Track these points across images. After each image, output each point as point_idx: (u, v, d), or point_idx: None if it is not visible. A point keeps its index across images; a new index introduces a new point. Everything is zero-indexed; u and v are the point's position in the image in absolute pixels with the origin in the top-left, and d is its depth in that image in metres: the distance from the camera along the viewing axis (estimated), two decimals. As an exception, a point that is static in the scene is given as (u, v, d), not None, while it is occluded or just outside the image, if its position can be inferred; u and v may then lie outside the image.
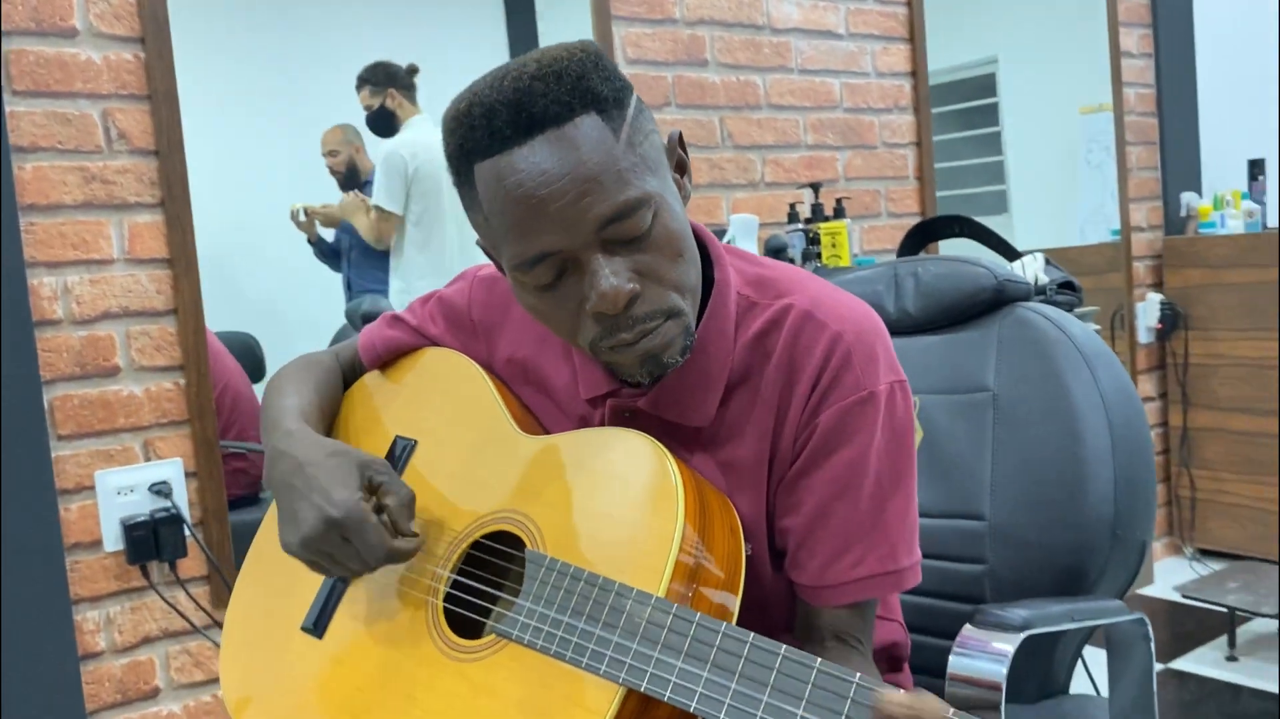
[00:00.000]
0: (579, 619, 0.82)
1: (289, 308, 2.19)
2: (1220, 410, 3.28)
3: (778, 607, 0.96)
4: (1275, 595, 2.61)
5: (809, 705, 0.69)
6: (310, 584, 1.03)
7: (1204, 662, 2.69)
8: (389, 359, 1.14)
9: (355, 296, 2.38)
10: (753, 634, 0.74)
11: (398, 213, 2.23)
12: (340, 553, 0.91)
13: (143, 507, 1.77)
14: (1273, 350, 3.09)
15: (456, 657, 0.89)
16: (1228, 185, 3.42)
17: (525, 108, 0.80)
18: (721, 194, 2.45)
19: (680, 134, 0.92)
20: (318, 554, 0.91)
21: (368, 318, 1.81)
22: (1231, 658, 2.66)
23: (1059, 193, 3.46)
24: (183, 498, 1.81)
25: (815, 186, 2.46)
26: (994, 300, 1.35)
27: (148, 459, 1.79)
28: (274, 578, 1.08)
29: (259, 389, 1.99)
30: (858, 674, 0.68)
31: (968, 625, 0.97)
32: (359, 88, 2.17)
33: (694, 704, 0.74)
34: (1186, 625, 2.93)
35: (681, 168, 0.92)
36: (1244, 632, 2.80)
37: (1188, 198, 3.31)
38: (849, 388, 0.90)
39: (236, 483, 1.92)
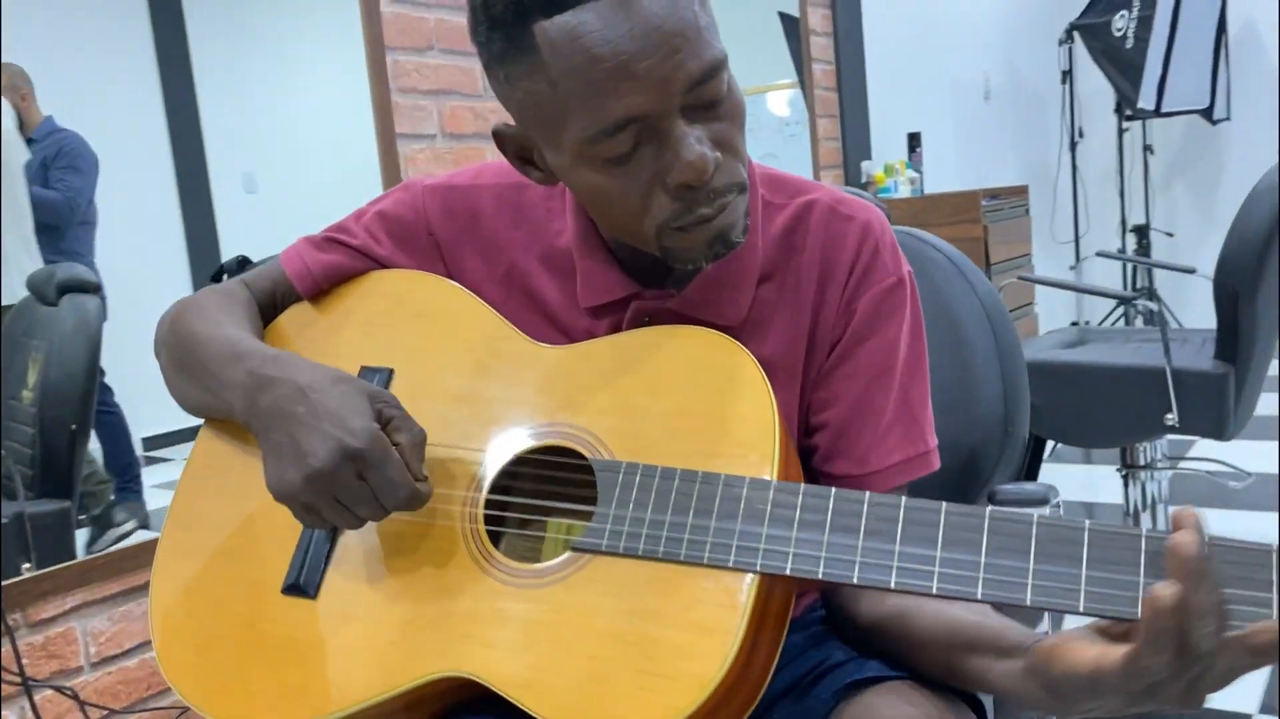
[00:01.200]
0: (684, 516, 0.77)
1: None
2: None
3: None
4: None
5: (992, 550, 0.69)
6: (278, 542, 0.88)
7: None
8: (327, 287, 1.00)
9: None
10: (903, 498, 0.73)
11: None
12: (350, 493, 0.78)
13: None
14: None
15: (527, 583, 0.80)
16: (894, 156, 3.85)
17: None
18: (486, 145, 2.37)
19: None
20: (320, 495, 0.78)
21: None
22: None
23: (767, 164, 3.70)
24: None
25: (578, 140, 2.45)
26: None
27: None
28: (217, 543, 0.90)
29: None
30: (1035, 514, 0.70)
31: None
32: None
33: (855, 575, 0.72)
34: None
35: None
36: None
37: (868, 166, 3.68)
38: (880, 274, 0.91)
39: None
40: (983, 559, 0.70)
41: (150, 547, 1.73)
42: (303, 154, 2.16)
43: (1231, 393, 2.37)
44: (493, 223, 0.98)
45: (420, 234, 0.99)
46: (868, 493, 0.74)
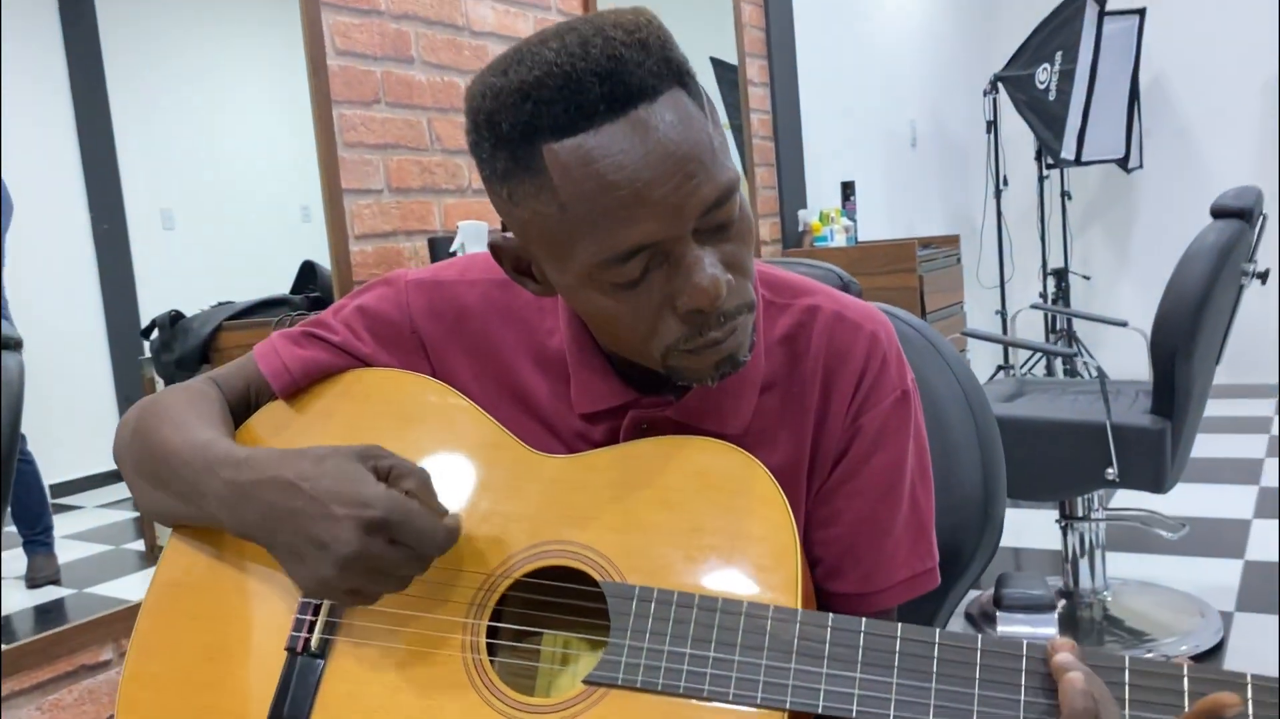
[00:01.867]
0: (705, 648, 0.73)
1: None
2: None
3: None
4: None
5: (1029, 690, 0.68)
6: (260, 670, 0.82)
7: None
8: (305, 385, 0.94)
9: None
10: (937, 630, 0.71)
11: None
12: (388, 560, 0.74)
13: None
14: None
15: (536, 718, 0.75)
16: (828, 204, 3.88)
17: (620, 79, 0.69)
18: (433, 199, 2.32)
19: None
20: (361, 575, 0.74)
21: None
22: None
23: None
24: None
25: (525, 194, 2.41)
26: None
27: None
28: (190, 672, 0.84)
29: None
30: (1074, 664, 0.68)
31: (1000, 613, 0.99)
32: None
33: (892, 713, 0.69)
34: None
35: None
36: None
37: (804, 214, 3.71)
38: (887, 389, 0.89)
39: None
40: (1022, 699, 0.68)
41: (91, 627, 1.64)
42: (223, 191, 2.09)
43: (1169, 447, 2.42)
44: (481, 321, 0.93)
45: (404, 331, 0.94)
46: (900, 625, 0.71)
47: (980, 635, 0.70)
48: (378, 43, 2.19)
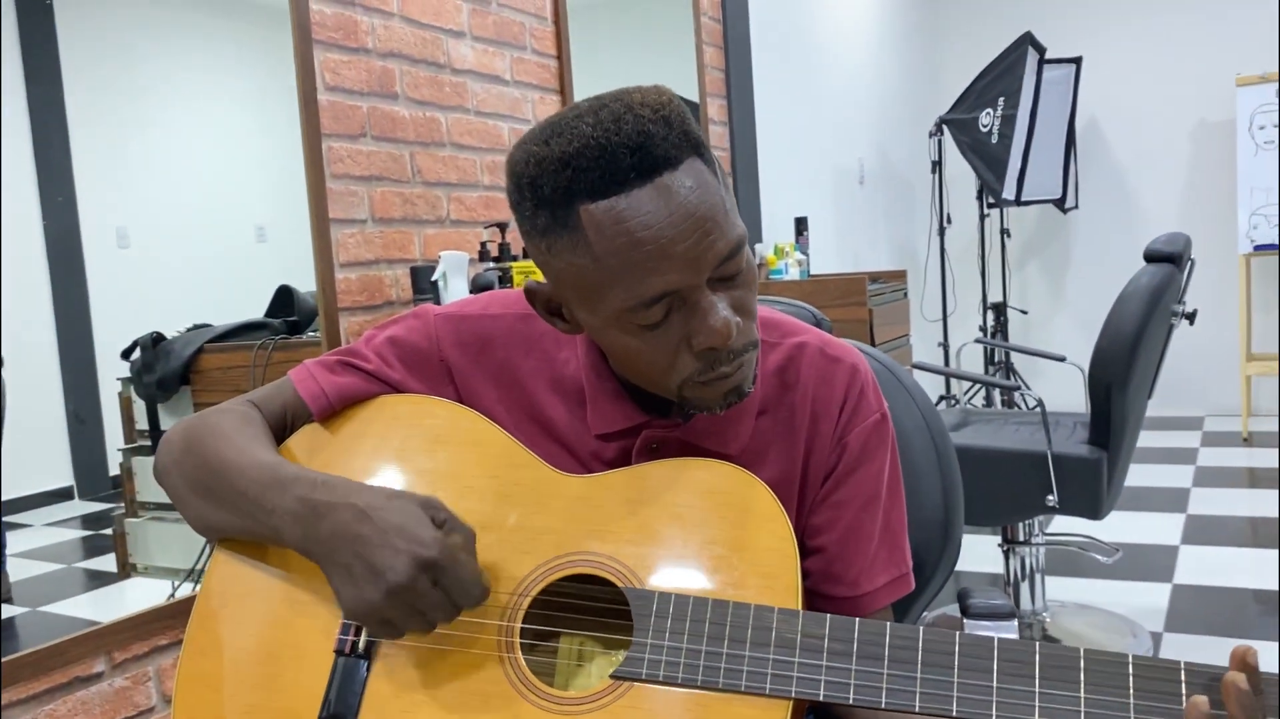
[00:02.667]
0: (719, 645, 0.84)
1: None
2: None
3: None
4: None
5: (1002, 676, 0.79)
6: (308, 671, 0.90)
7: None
8: (339, 409, 1.03)
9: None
10: (921, 627, 0.82)
11: None
12: (427, 601, 0.83)
13: None
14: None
15: (568, 710, 0.85)
16: (782, 238, 4.03)
17: (648, 150, 0.80)
18: (414, 229, 2.40)
19: None
20: (400, 607, 0.82)
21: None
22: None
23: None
24: None
25: (502, 226, 2.51)
26: (814, 334, 1.53)
27: None
28: (242, 672, 0.92)
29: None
30: (1036, 643, 0.80)
31: (967, 620, 1.11)
32: None
33: (884, 700, 0.80)
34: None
35: None
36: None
37: (760, 248, 3.84)
38: (866, 412, 1.01)
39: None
40: (995, 684, 0.79)
41: (84, 639, 1.68)
42: (179, 210, 2.08)
43: (1105, 476, 2.58)
44: (504, 351, 1.03)
45: (433, 360, 1.03)
46: (889, 623, 0.82)
47: (958, 633, 0.81)
48: (365, 79, 2.28)
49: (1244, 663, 0.72)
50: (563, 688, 0.92)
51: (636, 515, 0.91)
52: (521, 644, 0.91)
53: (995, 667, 0.79)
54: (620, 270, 0.81)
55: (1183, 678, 0.75)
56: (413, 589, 0.82)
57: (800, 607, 0.85)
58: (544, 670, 0.93)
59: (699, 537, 0.89)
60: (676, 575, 0.88)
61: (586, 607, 0.93)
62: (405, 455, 0.99)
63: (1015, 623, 1.05)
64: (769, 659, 0.82)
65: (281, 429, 1.03)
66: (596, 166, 0.80)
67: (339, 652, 0.90)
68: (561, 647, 0.95)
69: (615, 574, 0.89)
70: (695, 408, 0.92)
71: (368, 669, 0.90)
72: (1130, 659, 0.77)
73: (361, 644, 0.90)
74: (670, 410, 0.99)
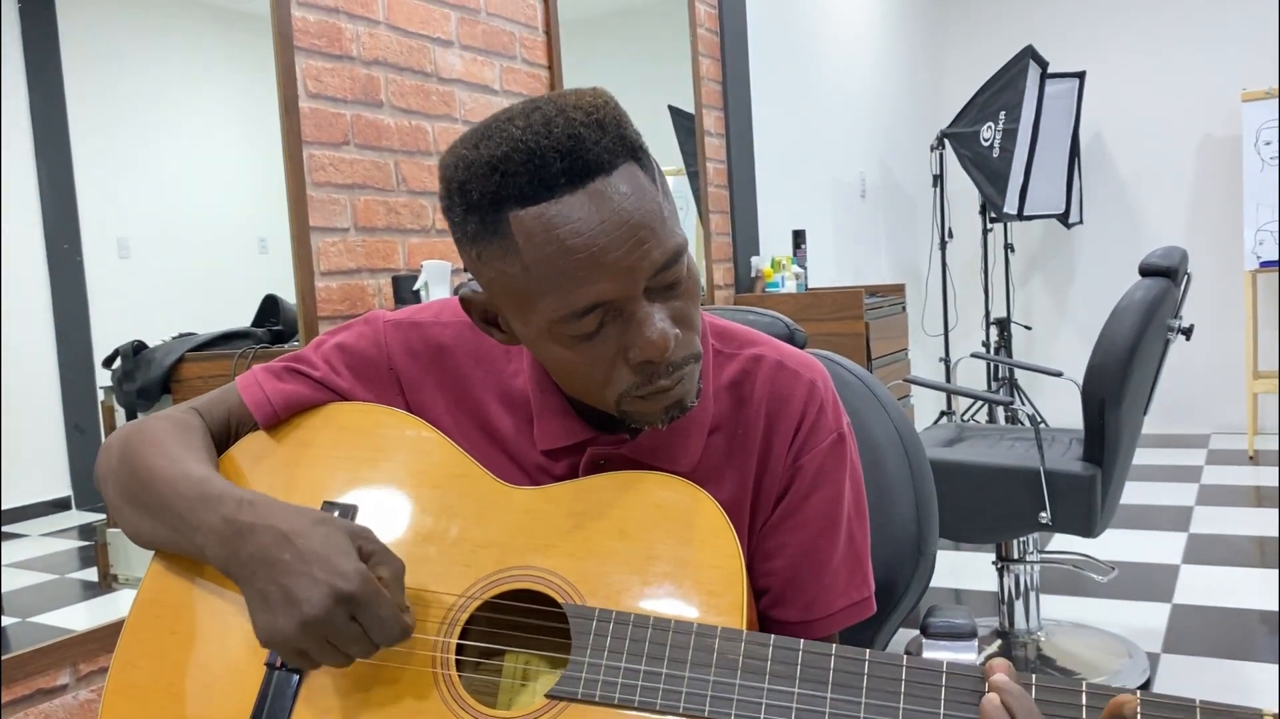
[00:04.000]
0: (659, 665, 0.80)
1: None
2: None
3: None
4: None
5: (948, 704, 0.75)
6: (237, 685, 0.87)
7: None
8: (285, 417, 1.00)
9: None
10: (868, 650, 0.78)
11: None
12: (342, 635, 0.79)
13: None
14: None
15: (501, 729, 0.81)
16: (780, 251, 4.00)
17: (579, 155, 0.77)
18: (397, 239, 2.38)
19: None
20: (314, 639, 0.79)
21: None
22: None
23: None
24: None
25: (488, 236, 2.48)
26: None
27: None
28: (170, 684, 0.89)
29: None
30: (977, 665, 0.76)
31: (925, 640, 1.07)
32: None
33: (826, 727, 0.77)
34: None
35: None
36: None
37: (757, 261, 3.81)
38: (824, 432, 0.97)
39: None
40: (941, 712, 0.75)
41: (47, 651, 1.65)
42: (181, 220, 2.08)
43: (1099, 493, 2.53)
44: (454, 360, 1.00)
45: (381, 368, 1.00)
46: (834, 646, 0.79)
47: (906, 656, 0.78)
48: (349, 87, 2.26)
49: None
50: (506, 707, 0.89)
51: (581, 529, 0.88)
52: (466, 661, 0.88)
53: (942, 694, 0.76)
54: (550, 279, 0.78)
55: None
56: (328, 622, 0.78)
57: (746, 625, 0.82)
58: (487, 689, 0.90)
59: (643, 552, 0.86)
60: (618, 592, 0.85)
61: (530, 624, 0.90)
62: (350, 464, 0.96)
63: (975, 643, 1.01)
64: (709, 680, 0.79)
65: (225, 437, 1.01)
66: (525, 171, 0.77)
67: (270, 664, 0.87)
68: (505, 665, 0.92)
69: (556, 590, 0.86)
70: (636, 422, 0.88)
71: (299, 683, 0.86)
72: (1084, 687, 0.74)
73: None
74: (618, 427, 0.95)
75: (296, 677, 0.87)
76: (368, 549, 0.83)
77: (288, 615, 0.78)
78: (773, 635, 0.80)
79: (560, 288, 0.78)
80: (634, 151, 0.81)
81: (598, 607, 0.84)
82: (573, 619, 0.84)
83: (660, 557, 0.86)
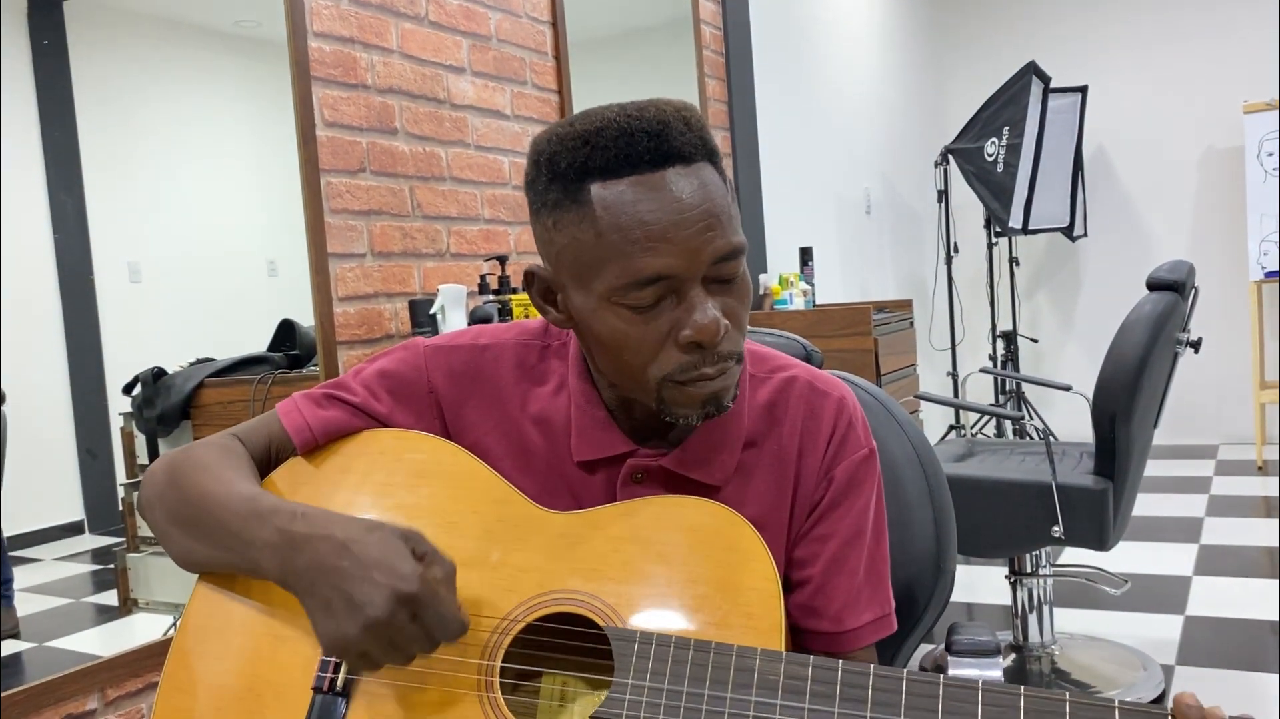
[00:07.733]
0: (701, 687, 0.82)
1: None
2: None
3: None
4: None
5: (986, 726, 0.77)
6: (286, 710, 0.89)
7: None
8: (324, 443, 1.02)
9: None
10: (905, 669, 0.80)
11: None
12: (405, 635, 0.82)
13: None
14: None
15: (547, 750, 0.83)
16: (787, 268, 4.03)
17: (665, 139, 0.84)
18: (413, 263, 2.41)
19: None
20: (378, 641, 0.81)
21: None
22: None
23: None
24: None
25: (501, 259, 2.51)
26: (808, 366, 1.52)
27: None
28: (220, 708, 0.91)
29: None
30: (1022, 687, 0.78)
31: (951, 657, 1.09)
32: None
33: (865, 745, 0.78)
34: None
35: None
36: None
37: (764, 278, 3.84)
38: (854, 446, 1.00)
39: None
40: (980, 728, 0.77)
41: (77, 677, 1.67)
42: (191, 245, 2.10)
43: (1111, 507, 2.55)
44: (492, 382, 1.03)
45: (421, 392, 1.03)
46: (872, 665, 0.81)
47: (941, 674, 0.79)
48: (364, 115, 2.29)
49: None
50: None
51: (620, 553, 0.90)
52: (504, 684, 0.90)
53: (979, 713, 0.77)
54: (620, 247, 0.84)
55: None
56: (391, 624, 0.80)
57: (784, 647, 0.83)
58: (526, 710, 0.92)
59: (682, 575, 0.88)
60: (659, 615, 0.87)
61: (570, 646, 0.92)
62: (389, 490, 0.98)
63: (1000, 660, 1.03)
64: (751, 701, 0.81)
65: (266, 463, 1.03)
66: (614, 146, 0.84)
67: (317, 689, 0.89)
68: (544, 686, 0.94)
69: (597, 613, 0.88)
70: (672, 414, 0.91)
71: (346, 707, 0.88)
72: (1116, 704, 0.75)
73: (340, 682, 0.89)
74: (657, 440, 0.98)
75: (343, 701, 0.88)
76: (420, 550, 0.85)
77: (352, 620, 0.80)
78: (812, 656, 0.82)
79: (628, 255, 0.84)
80: (711, 154, 0.87)
81: (639, 630, 0.86)
82: (615, 642, 0.85)
83: (699, 579, 0.88)
